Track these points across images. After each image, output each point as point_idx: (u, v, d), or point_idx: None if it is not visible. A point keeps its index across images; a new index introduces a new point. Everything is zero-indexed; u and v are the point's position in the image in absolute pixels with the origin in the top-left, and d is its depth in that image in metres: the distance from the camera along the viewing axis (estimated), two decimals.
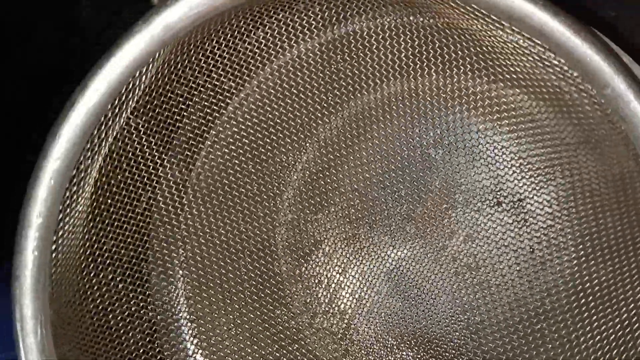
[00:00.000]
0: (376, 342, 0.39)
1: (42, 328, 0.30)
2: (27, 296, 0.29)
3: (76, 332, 0.33)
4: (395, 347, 0.39)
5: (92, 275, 0.35)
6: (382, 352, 0.39)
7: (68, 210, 0.31)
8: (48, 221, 0.30)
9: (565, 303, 0.36)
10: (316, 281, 0.40)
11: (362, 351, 0.39)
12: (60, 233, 0.31)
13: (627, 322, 0.33)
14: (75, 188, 0.31)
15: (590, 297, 0.35)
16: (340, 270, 0.40)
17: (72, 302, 0.34)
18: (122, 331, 0.36)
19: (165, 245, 0.38)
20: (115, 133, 0.33)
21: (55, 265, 0.31)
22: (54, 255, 0.31)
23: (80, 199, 0.32)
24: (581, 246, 0.35)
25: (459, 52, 0.35)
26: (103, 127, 0.31)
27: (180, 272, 0.39)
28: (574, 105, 0.32)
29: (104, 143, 0.32)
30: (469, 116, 0.37)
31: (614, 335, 0.33)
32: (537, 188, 0.37)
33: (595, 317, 0.34)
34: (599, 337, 0.34)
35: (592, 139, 0.33)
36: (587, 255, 0.35)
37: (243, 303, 0.39)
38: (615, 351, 0.33)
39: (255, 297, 0.39)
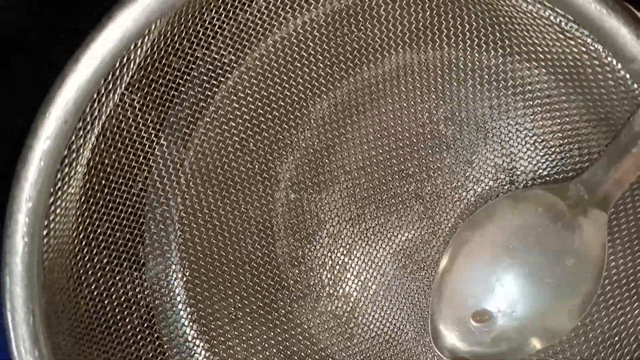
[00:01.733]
0: (382, 325, 0.38)
1: (34, 317, 0.28)
2: (18, 284, 0.28)
3: (70, 320, 0.32)
4: (402, 330, 0.38)
5: (86, 259, 0.33)
6: (389, 335, 0.38)
7: (60, 193, 0.30)
8: (38, 205, 0.28)
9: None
10: (319, 263, 0.38)
11: (368, 335, 0.38)
12: (51, 217, 0.29)
13: None
14: (67, 169, 0.29)
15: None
16: (344, 252, 0.38)
17: (65, 288, 0.32)
18: (118, 317, 0.35)
19: (162, 227, 0.37)
20: (109, 110, 0.31)
21: (47, 251, 0.29)
22: (45, 240, 0.29)
23: (72, 180, 0.30)
24: None
25: (473, 23, 0.33)
26: (96, 104, 0.29)
27: (178, 255, 0.37)
28: (596, 80, 0.30)
29: (97, 121, 0.30)
30: (482, 91, 0.35)
31: None
32: (552, 166, 0.35)
33: None
34: None
35: (611, 118, 0.32)
36: None
37: (243, 286, 0.37)
38: None
39: (256, 280, 0.38)
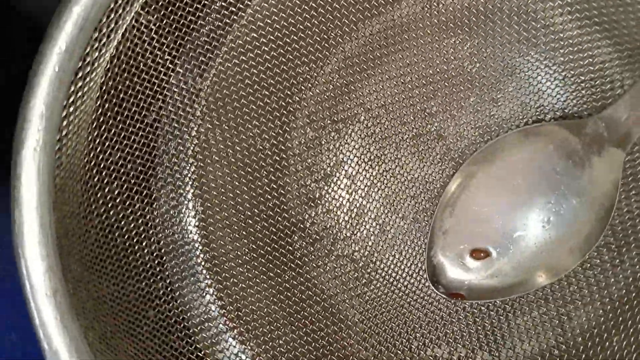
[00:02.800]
0: (400, 270, 0.37)
1: (45, 232, 0.27)
2: (28, 198, 0.26)
3: (80, 246, 0.30)
4: (422, 276, 0.36)
5: (97, 188, 0.32)
6: (407, 280, 0.37)
7: (72, 108, 0.28)
8: (52, 115, 0.27)
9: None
10: (337, 205, 0.37)
11: (385, 280, 0.37)
12: (64, 132, 0.28)
13: None
14: (80, 83, 0.28)
15: None
16: (363, 194, 0.37)
17: (76, 214, 0.31)
18: (129, 250, 0.33)
19: (175, 161, 0.35)
20: (123, 30, 0.30)
21: (59, 167, 0.28)
22: (57, 156, 0.28)
23: (85, 97, 0.29)
24: None
25: None
26: (112, 15, 0.28)
27: (191, 191, 0.36)
28: (622, 20, 0.29)
29: (112, 36, 0.29)
30: (510, 24, 0.34)
31: None
32: (580, 103, 0.34)
33: None
34: None
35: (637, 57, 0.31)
36: None
37: (258, 227, 0.36)
38: None
39: (272, 221, 0.36)
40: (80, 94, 0.28)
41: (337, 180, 0.37)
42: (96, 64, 0.29)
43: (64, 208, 0.29)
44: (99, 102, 0.31)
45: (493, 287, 0.34)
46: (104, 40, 0.28)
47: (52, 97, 0.27)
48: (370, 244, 0.37)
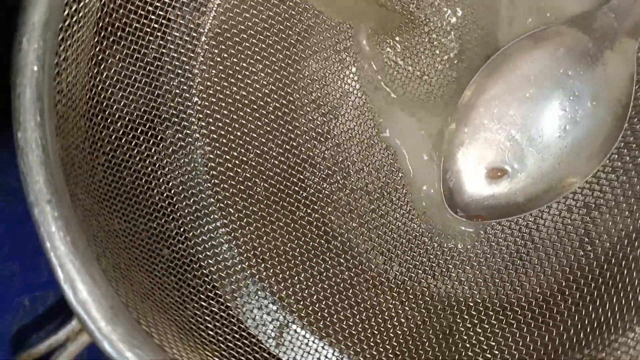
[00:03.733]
0: (411, 202, 0.36)
1: (47, 153, 0.26)
2: (30, 114, 0.26)
3: (89, 180, 0.30)
4: (440, 201, 0.35)
5: (101, 126, 0.32)
6: (426, 208, 0.36)
7: (69, 32, 0.28)
8: (49, 35, 0.26)
9: None
10: (347, 137, 0.36)
11: (397, 213, 0.36)
12: (62, 57, 0.28)
13: None
14: (75, 6, 0.28)
15: None
16: (372, 124, 0.36)
17: (82, 148, 0.30)
18: (137, 190, 0.33)
19: (179, 100, 0.35)
20: None
21: (60, 93, 0.27)
22: (57, 81, 0.27)
23: (82, 24, 0.29)
24: None
25: None
26: None
27: (198, 130, 0.35)
28: None
29: None
30: None
31: None
32: None
33: None
34: None
35: None
36: None
37: (268, 164, 0.35)
38: None
39: (281, 159, 0.36)
40: (75, 18, 0.28)
41: (345, 113, 0.36)
42: None
43: (68, 138, 0.29)
44: (96, 39, 0.31)
45: (513, 204, 0.33)
46: None
47: (47, 17, 0.26)
48: (382, 175, 0.36)
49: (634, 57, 0.30)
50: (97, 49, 0.31)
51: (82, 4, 0.28)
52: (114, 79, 0.32)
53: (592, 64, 0.31)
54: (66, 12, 0.27)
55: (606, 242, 0.32)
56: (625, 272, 0.31)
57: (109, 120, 0.32)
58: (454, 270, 0.35)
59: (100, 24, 0.31)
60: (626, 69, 0.30)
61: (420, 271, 0.35)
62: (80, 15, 0.28)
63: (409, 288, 0.35)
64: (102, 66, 0.32)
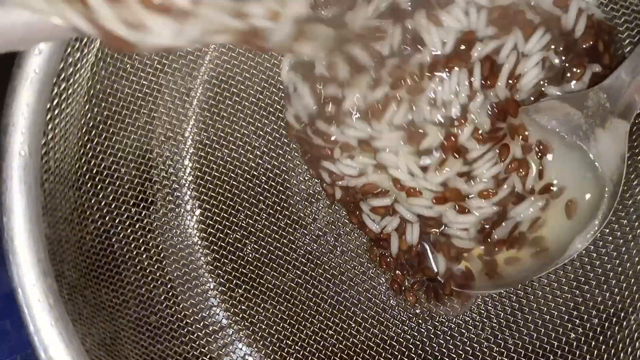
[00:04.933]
0: None
1: (35, 238, 0.26)
2: (16, 203, 0.26)
3: (76, 252, 0.30)
4: None
5: (90, 194, 0.32)
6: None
7: (57, 111, 0.28)
8: (36, 118, 0.26)
9: None
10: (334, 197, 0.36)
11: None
12: (50, 136, 0.28)
13: None
14: (64, 85, 0.28)
15: None
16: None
17: (69, 220, 0.30)
18: (127, 256, 0.33)
19: (170, 163, 0.35)
20: None
21: (47, 172, 0.28)
22: (44, 160, 0.27)
23: (71, 100, 0.29)
24: None
25: None
26: None
27: (189, 193, 0.35)
28: None
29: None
30: None
31: None
32: None
33: None
34: None
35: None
36: None
37: (258, 226, 0.35)
38: None
39: (273, 220, 0.36)
40: (64, 96, 0.28)
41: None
42: (79, 66, 0.29)
43: (55, 214, 0.29)
44: (87, 106, 0.31)
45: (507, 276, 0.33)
46: (85, 39, 0.28)
47: (34, 100, 0.26)
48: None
49: (624, 137, 0.30)
50: (87, 117, 0.31)
51: (71, 81, 0.28)
52: (105, 145, 0.32)
53: (584, 140, 0.31)
54: (55, 92, 0.27)
55: (594, 318, 0.32)
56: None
57: (99, 187, 0.32)
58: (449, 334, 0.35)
59: (92, 92, 0.31)
60: (617, 148, 0.30)
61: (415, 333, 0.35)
62: (69, 92, 0.28)
63: (397, 353, 0.35)
64: (93, 133, 0.32)
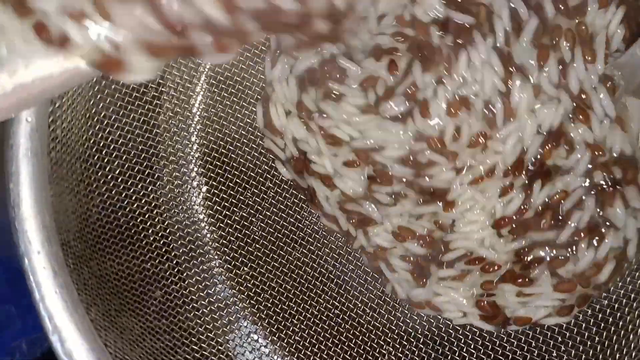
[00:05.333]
0: None
1: (41, 206, 0.26)
2: (22, 170, 0.26)
3: (82, 224, 0.30)
4: None
5: (97, 167, 0.32)
6: None
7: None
8: None
9: None
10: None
11: None
12: (57, 104, 0.27)
13: None
14: None
15: None
16: None
17: (76, 191, 0.30)
18: (132, 230, 0.33)
19: (177, 139, 0.35)
20: None
21: (54, 140, 0.27)
22: (51, 128, 0.27)
23: None
24: None
25: None
26: None
27: (195, 169, 0.35)
28: None
29: None
30: None
31: None
32: None
33: None
34: None
35: None
36: None
37: (265, 204, 0.35)
38: None
39: (280, 198, 0.35)
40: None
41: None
42: None
43: (61, 184, 0.29)
44: (95, 78, 0.31)
45: None
46: None
47: None
48: None
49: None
50: (95, 89, 0.31)
51: None
52: (112, 118, 0.32)
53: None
54: None
55: (603, 299, 0.32)
56: None
57: (105, 160, 0.32)
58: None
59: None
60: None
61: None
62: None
63: (403, 334, 0.35)
64: (100, 106, 0.31)
